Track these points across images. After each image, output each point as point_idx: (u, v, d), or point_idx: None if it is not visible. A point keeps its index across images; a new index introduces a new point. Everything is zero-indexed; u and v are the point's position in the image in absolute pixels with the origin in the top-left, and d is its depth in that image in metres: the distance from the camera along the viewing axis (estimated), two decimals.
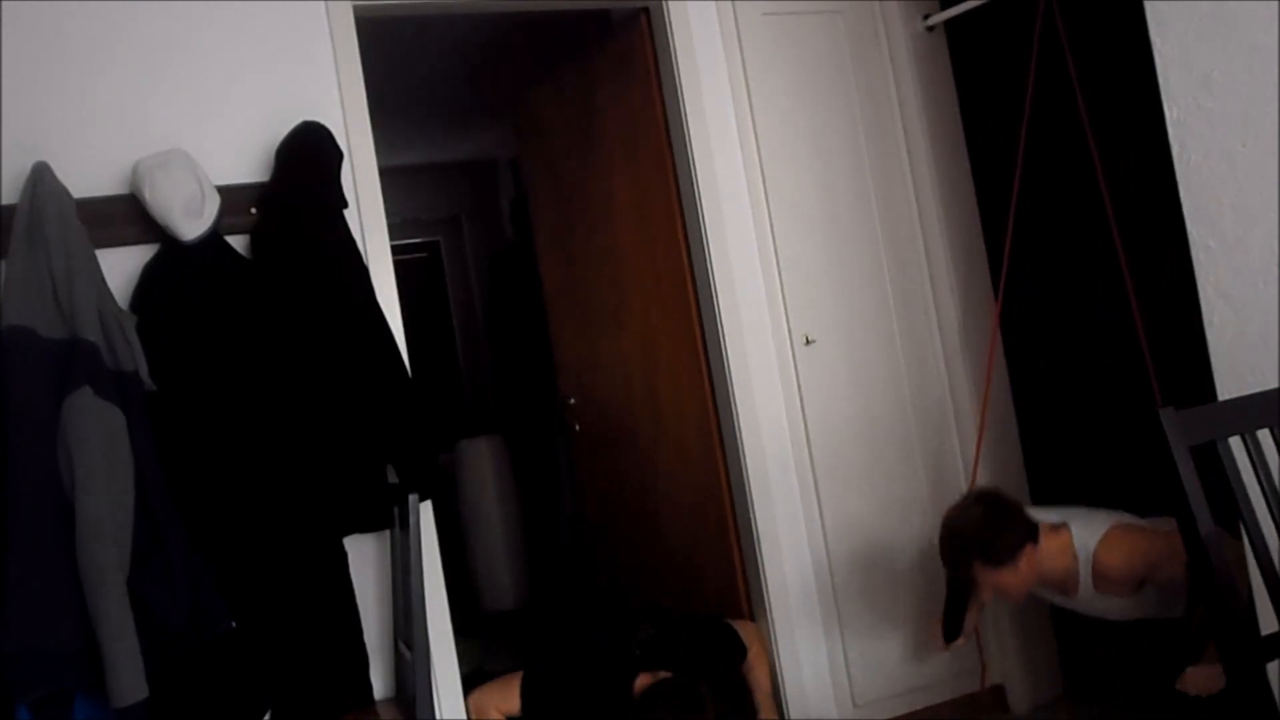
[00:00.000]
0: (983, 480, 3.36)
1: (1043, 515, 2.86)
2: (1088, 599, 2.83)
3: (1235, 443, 1.68)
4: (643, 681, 2.97)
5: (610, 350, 3.88)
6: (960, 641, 3.18)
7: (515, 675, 3.04)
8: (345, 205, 2.75)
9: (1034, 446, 3.52)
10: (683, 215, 3.36)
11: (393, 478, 2.70)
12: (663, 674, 2.96)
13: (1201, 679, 2.60)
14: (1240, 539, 1.84)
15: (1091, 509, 2.93)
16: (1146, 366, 3.02)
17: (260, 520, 2.52)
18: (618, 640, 3.17)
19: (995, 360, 3.46)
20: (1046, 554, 2.76)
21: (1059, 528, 2.81)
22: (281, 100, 2.79)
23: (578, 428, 4.16)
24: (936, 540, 2.86)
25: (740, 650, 3.17)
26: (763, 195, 3.32)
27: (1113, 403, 3.26)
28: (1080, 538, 2.79)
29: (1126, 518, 2.85)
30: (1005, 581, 2.73)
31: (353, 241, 2.73)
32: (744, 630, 3.21)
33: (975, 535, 2.72)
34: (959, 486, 3.43)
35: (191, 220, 2.55)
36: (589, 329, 4.00)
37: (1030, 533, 2.73)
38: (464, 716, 2.90)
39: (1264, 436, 1.71)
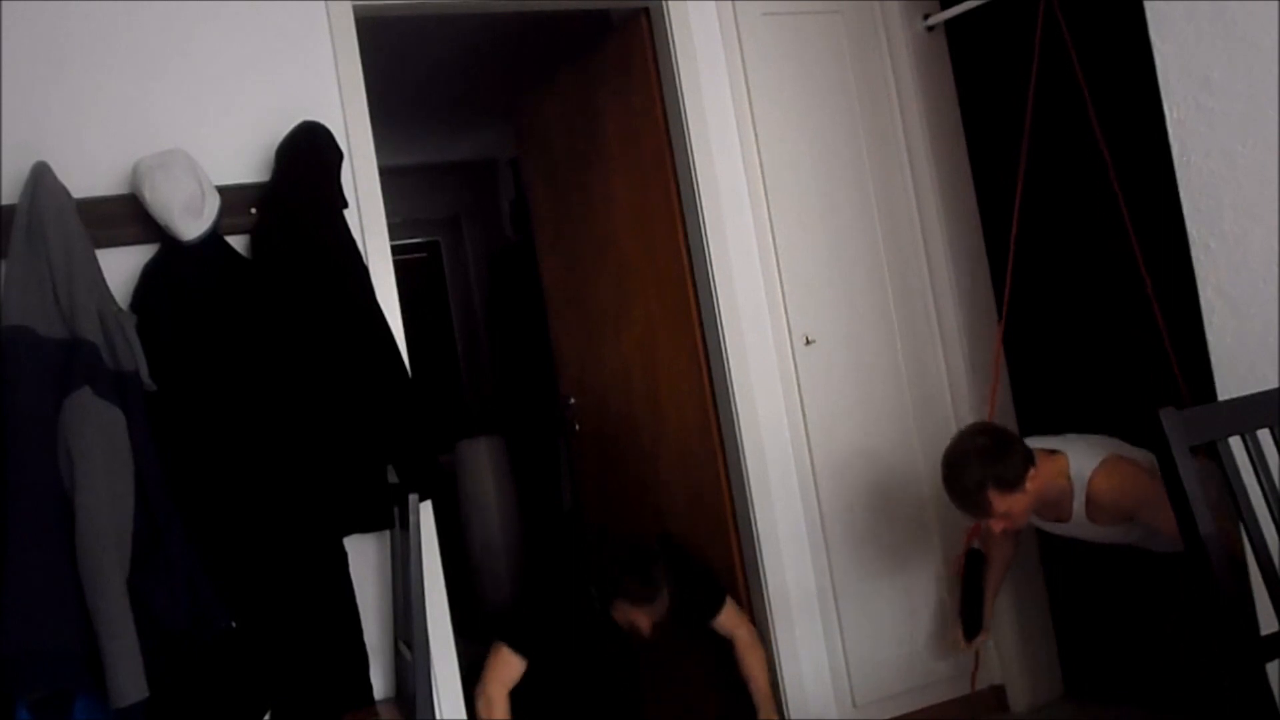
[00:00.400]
0: None
1: (1038, 443, 2.89)
2: (1079, 523, 2.87)
3: (1235, 443, 1.68)
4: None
5: (610, 350, 3.88)
6: (983, 637, 3.19)
7: (497, 645, 3.11)
8: (345, 205, 2.75)
9: None
10: (683, 215, 3.36)
11: (393, 478, 2.70)
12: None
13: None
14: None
15: (1088, 436, 2.95)
16: (1149, 367, 3.02)
17: (260, 520, 2.52)
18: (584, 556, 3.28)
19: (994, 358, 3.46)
20: (1045, 476, 2.80)
21: (1055, 454, 2.84)
22: (281, 100, 2.79)
23: (578, 427, 4.16)
24: (941, 479, 2.87)
25: (716, 597, 3.22)
26: (763, 195, 3.32)
27: (1116, 404, 3.25)
28: (1076, 465, 2.83)
29: (1124, 448, 2.88)
30: (1014, 506, 2.76)
31: (353, 241, 2.73)
32: (732, 607, 3.24)
33: (986, 461, 2.75)
34: None
35: (191, 220, 2.55)
36: (589, 329, 4.00)
37: (1030, 456, 2.79)
38: (464, 716, 2.90)
39: (1264, 436, 1.71)
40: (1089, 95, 3.06)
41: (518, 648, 3.09)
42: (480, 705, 3.03)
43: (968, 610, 3.22)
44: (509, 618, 3.28)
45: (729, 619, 3.22)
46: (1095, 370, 3.33)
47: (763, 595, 3.26)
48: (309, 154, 2.72)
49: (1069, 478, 2.81)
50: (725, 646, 3.24)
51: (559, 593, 3.22)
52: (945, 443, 3.43)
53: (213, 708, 2.42)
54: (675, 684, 3.36)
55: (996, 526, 2.82)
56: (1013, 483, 2.73)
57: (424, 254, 6.88)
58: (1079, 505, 2.82)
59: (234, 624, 2.45)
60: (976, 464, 2.75)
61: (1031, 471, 2.76)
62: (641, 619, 3.04)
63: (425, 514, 2.81)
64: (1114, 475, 2.78)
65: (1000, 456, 2.75)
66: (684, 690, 3.35)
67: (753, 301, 3.30)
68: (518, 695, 3.10)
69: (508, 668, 3.07)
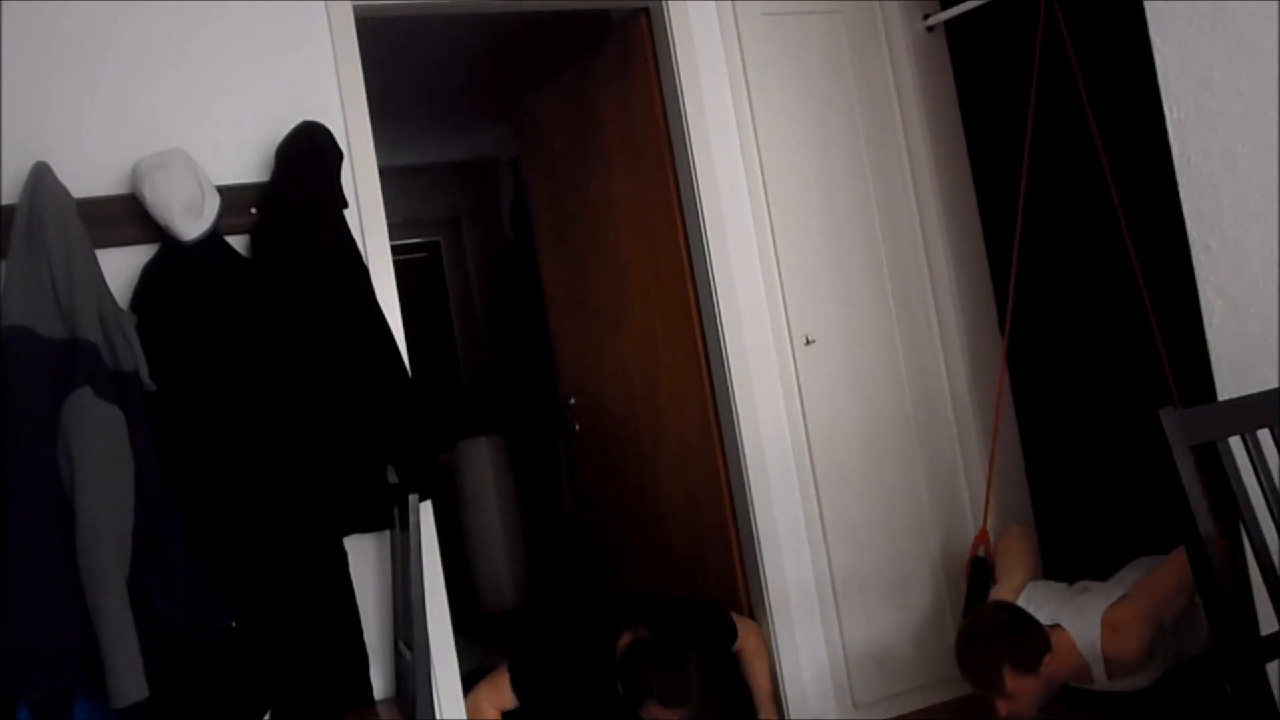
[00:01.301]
0: (995, 483, 3.37)
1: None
2: (1104, 685, 2.81)
3: (1235, 443, 1.68)
4: (627, 639, 3.01)
5: (610, 350, 3.88)
6: None
7: (502, 669, 3.05)
8: (345, 205, 2.75)
9: (1033, 447, 3.52)
10: (683, 215, 3.36)
11: (393, 478, 2.70)
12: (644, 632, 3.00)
13: None
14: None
15: (1068, 591, 2.90)
16: (1152, 368, 3.02)
17: (260, 520, 2.51)
18: (601, 613, 3.19)
19: (994, 359, 3.46)
20: (1060, 659, 2.75)
21: (1054, 628, 2.79)
22: (281, 100, 2.78)
23: (578, 428, 4.16)
24: (955, 648, 2.81)
25: (729, 629, 3.18)
26: (763, 195, 3.32)
27: (1116, 407, 3.25)
28: (1080, 635, 2.78)
29: (1105, 590, 2.83)
30: (1025, 690, 2.70)
31: (353, 241, 2.73)
32: (742, 623, 3.22)
33: (1005, 639, 2.70)
34: (959, 485, 3.44)
35: (192, 220, 2.55)
36: (589, 329, 4.00)
37: (1048, 643, 2.73)
38: (464, 717, 2.90)
39: (1264, 436, 1.71)
40: (1086, 95, 3.06)
41: (518, 689, 3.02)
42: (469, 713, 2.99)
43: None
44: (525, 649, 3.18)
45: (744, 640, 3.19)
46: (1094, 369, 3.33)
47: (763, 595, 3.26)
48: (309, 154, 2.72)
49: (1079, 654, 2.76)
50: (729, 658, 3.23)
51: (586, 667, 3.08)
52: (945, 442, 3.45)
53: (213, 708, 2.42)
54: None
55: (1003, 709, 2.74)
56: (1028, 666, 2.68)
57: (424, 254, 6.88)
58: (1099, 673, 2.77)
59: (234, 624, 2.45)
60: (995, 640, 2.70)
61: (1047, 658, 2.71)
62: (671, 718, 2.94)
63: (425, 514, 2.80)
64: (1120, 628, 2.72)
65: (1020, 638, 2.70)
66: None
67: (753, 301, 3.30)
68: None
69: (502, 695, 3.02)
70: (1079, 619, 2.79)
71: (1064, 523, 3.48)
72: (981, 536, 3.22)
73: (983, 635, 2.74)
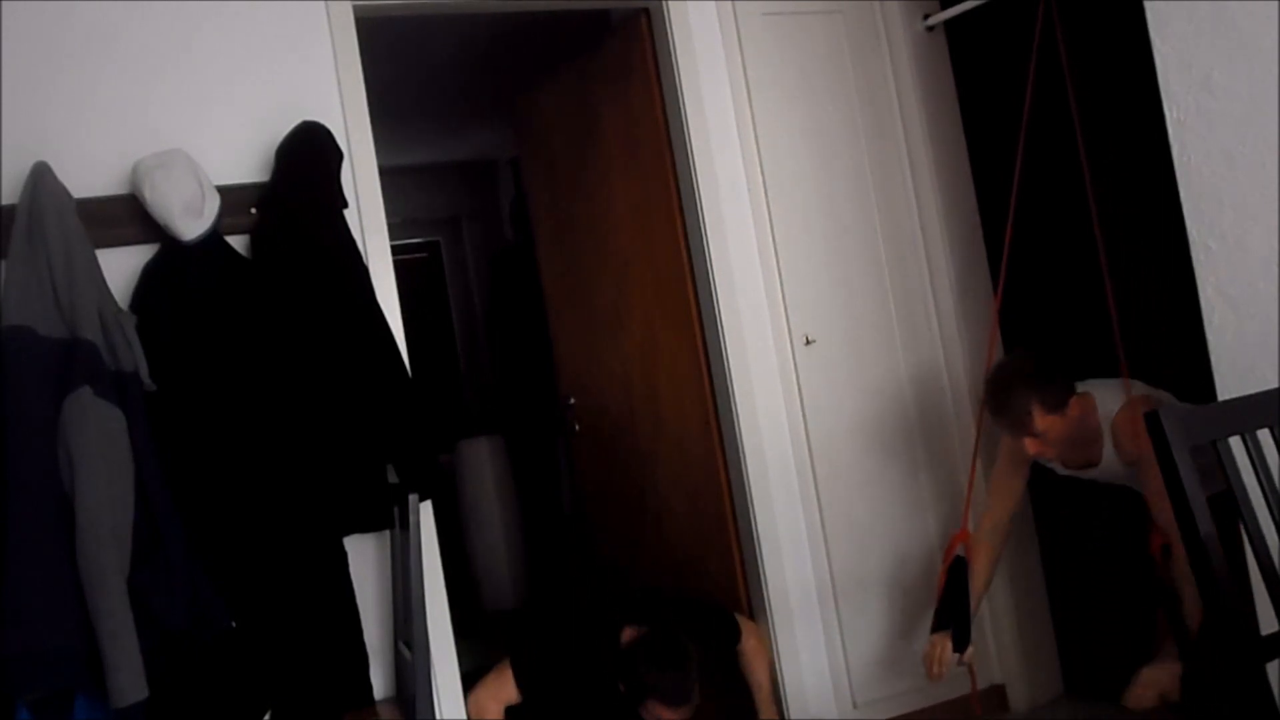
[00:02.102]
0: (980, 482, 3.36)
1: None
2: (1110, 465, 2.90)
3: (1235, 443, 1.68)
4: (629, 635, 3.01)
5: (610, 350, 3.88)
6: (971, 649, 3.08)
7: (505, 664, 3.05)
8: (345, 205, 2.75)
9: None
10: (683, 215, 3.36)
11: (393, 478, 2.70)
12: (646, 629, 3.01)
13: (1157, 680, 2.74)
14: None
15: (1109, 381, 2.99)
16: (1150, 358, 3.02)
17: (260, 520, 2.51)
18: (604, 609, 3.20)
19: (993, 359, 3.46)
20: (1082, 409, 2.85)
21: (1083, 395, 2.89)
22: (281, 100, 2.78)
23: (578, 428, 4.16)
24: (985, 394, 2.91)
25: (732, 629, 3.19)
26: (763, 195, 3.32)
27: None
28: (1104, 404, 2.87)
29: (1143, 388, 2.92)
30: (1054, 429, 2.81)
31: (353, 241, 2.73)
32: (743, 622, 3.22)
33: (1033, 381, 2.80)
34: (959, 485, 3.43)
35: (192, 220, 2.55)
36: (589, 329, 4.00)
37: (1073, 386, 2.84)
38: (464, 717, 2.90)
39: (1264, 436, 1.71)
40: (1074, 94, 3.05)
41: (521, 682, 3.01)
42: (471, 710, 2.99)
43: (957, 621, 3.10)
44: (528, 643, 3.18)
45: (745, 640, 3.20)
46: (1093, 361, 3.33)
47: (763, 595, 3.26)
48: (309, 154, 2.72)
49: (1099, 417, 2.86)
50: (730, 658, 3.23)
51: (588, 663, 3.08)
52: (944, 442, 3.45)
53: (213, 708, 2.42)
54: None
55: (1032, 448, 2.85)
56: (1056, 405, 2.78)
57: (424, 254, 6.88)
58: (1108, 445, 2.87)
59: (234, 624, 2.45)
60: (1023, 382, 2.80)
61: (1074, 400, 2.81)
62: (672, 717, 2.95)
63: (425, 514, 2.80)
64: (1136, 413, 2.79)
65: (1046, 379, 2.80)
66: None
67: (753, 301, 3.30)
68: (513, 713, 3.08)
69: (506, 690, 3.02)
70: (1107, 391, 2.90)
71: (1060, 513, 3.48)
72: (962, 535, 3.21)
73: (1012, 375, 2.84)
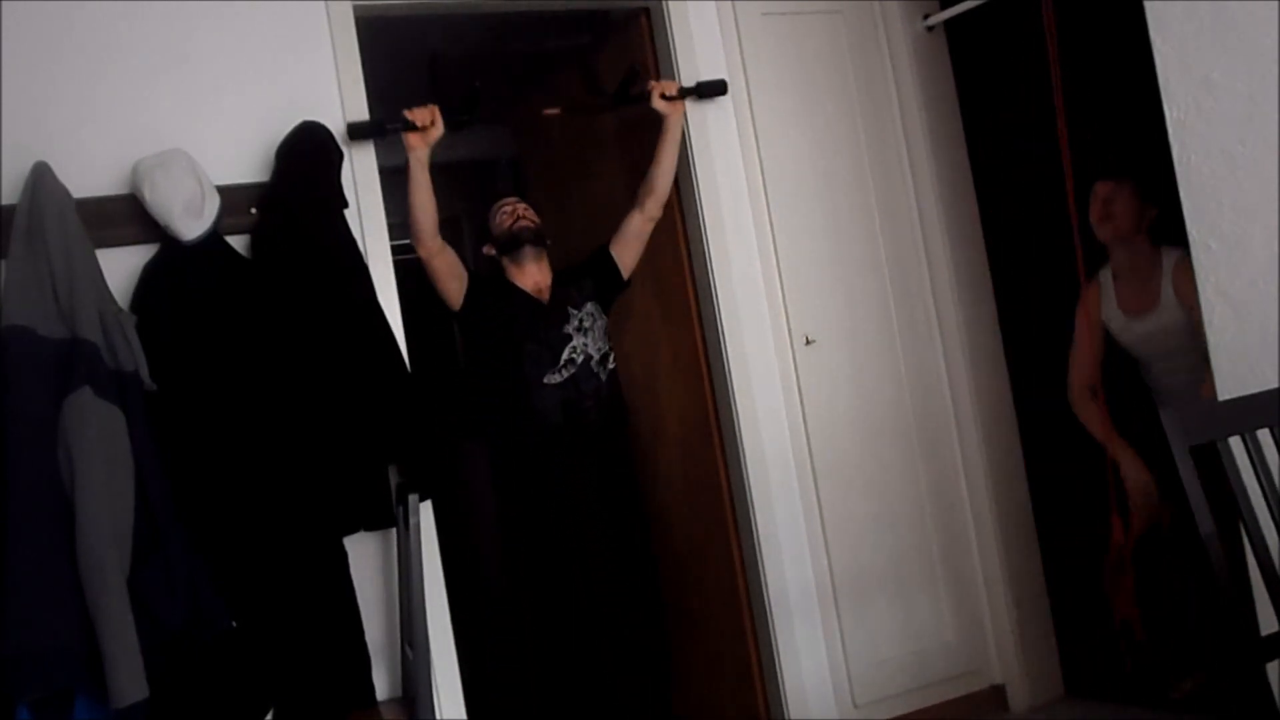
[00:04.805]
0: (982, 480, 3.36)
1: None
2: (1167, 307, 3.05)
3: (1235, 443, 1.68)
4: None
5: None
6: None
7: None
8: (345, 205, 2.75)
9: (1034, 447, 3.52)
10: (683, 215, 3.36)
11: (394, 477, 2.70)
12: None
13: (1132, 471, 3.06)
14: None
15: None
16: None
17: (261, 520, 2.51)
18: None
19: (994, 359, 3.46)
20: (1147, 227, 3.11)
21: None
22: (281, 100, 2.78)
23: None
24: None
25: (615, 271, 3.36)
26: (763, 195, 3.32)
27: (1112, 399, 3.25)
28: (1166, 255, 3.07)
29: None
30: (1128, 215, 3.08)
31: (353, 241, 2.73)
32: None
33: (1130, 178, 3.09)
34: (959, 485, 3.44)
35: (192, 220, 2.55)
36: None
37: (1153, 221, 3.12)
38: (464, 716, 2.90)
39: (1264, 436, 1.71)
40: (1061, 95, 3.04)
41: None
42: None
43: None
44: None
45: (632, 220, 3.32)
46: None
47: (763, 595, 3.25)
48: (309, 154, 2.72)
49: (1163, 263, 3.06)
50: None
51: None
52: (945, 442, 3.45)
53: (213, 708, 2.42)
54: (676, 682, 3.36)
55: (1106, 233, 3.13)
56: (1142, 196, 3.06)
57: None
58: (1168, 289, 3.02)
59: (234, 624, 2.45)
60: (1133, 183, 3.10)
61: (1149, 214, 3.08)
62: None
63: (426, 514, 2.80)
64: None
65: (1149, 198, 3.07)
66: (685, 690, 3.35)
67: (753, 301, 3.29)
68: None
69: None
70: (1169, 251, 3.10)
71: (1060, 501, 3.48)
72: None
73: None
